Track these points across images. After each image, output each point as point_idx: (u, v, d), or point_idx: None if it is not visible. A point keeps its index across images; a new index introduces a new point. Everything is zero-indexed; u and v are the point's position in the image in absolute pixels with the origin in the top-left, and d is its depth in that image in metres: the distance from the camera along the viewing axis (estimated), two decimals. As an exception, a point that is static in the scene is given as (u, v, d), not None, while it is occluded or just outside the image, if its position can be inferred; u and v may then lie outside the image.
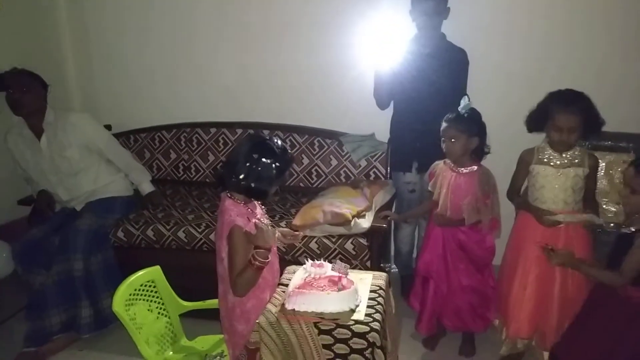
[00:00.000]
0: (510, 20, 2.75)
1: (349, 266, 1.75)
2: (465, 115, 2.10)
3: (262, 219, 1.78)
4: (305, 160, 3.04)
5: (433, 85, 2.47)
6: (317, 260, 1.82)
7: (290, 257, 2.50)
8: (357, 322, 1.62)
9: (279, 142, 1.74)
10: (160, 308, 1.92)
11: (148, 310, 1.87)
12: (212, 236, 2.53)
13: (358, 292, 1.73)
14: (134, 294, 1.81)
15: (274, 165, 1.68)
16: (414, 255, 2.91)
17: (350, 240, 2.45)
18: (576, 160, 2.09)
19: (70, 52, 3.38)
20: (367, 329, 1.60)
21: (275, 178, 1.70)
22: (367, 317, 1.64)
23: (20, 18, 3.05)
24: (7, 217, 2.96)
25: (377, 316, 1.65)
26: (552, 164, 2.10)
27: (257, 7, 3.03)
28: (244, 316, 1.73)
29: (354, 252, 2.44)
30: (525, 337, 2.21)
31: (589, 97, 2.03)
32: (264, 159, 1.67)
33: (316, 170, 3.04)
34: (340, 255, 2.45)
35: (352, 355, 1.61)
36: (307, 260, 1.83)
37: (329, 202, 2.51)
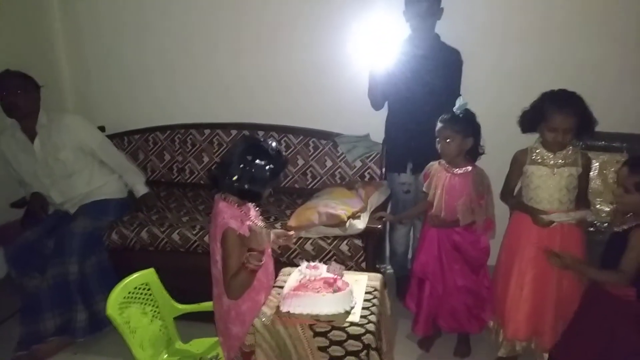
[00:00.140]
0: (505, 21, 2.76)
1: (344, 267, 1.75)
2: (460, 115, 2.11)
3: (256, 221, 1.77)
4: (300, 161, 3.04)
5: (427, 85, 2.47)
6: (312, 261, 1.82)
7: (285, 259, 2.49)
8: (352, 324, 1.62)
9: (274, 144, 1.74)
10: (155, 311, 1.91)
11: (142, 313, 1.86)
12: (206, 238, 2.52)
13: (353, 293, 1.72)
14: (128, 297, 1.80)
15: (267, 167, 1.67)
16: (409, 256, 2.92)
17: (345, 242, 2.44)
18: (569, 160, 2.10)
19: (64, 54, 3.36)
20: (362, 330, 1.60)
21: (269, 180, 1.69)
22: (362, 319, 1.64)
23: (14, 19, 3.03)
24: (0, 220, 2.94)
25: (372, 318, 1.65)
26: (546, 164, 2.11)
27: (252, 9, 3.03)
28: (239, 318, 1.73)
29: (349, 254, 2.44)
30: (523, 339, 2.21)
31: (582, 97, 2.04)
32: (257, 161, 1.66)
33: (311, 171, 3.04)
34: (335, 257, 2.45)
35: (348, 357, 1.61)
36: (302, 261, 1.83)
37: (324, 203, 2.51)
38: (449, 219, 2.17)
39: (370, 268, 2.43)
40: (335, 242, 2.45)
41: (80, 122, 2.71)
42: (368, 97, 2.67)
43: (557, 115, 2.00)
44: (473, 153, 2.17)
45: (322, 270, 1.77)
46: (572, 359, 1.91)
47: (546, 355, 2.16)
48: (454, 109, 2.11)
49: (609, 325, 1.80)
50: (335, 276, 1.72)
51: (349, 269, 2.35)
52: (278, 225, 2.52)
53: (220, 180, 1.71)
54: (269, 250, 1.88)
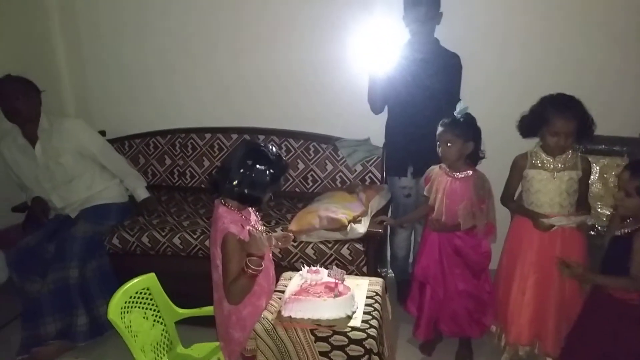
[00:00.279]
0: (504, 26, 2.76)
1: (345, 272, 1.75)
2: (461, 119, 2.11)
3: (256, 226, 1.77)
4: (301, 166, 3.04)
5: (427, 90, 2.48)
6: (313, 266, 1.82)
7: (287, 263, 2.49)
8: (353, 328, 1.62)
9: (274, 148, 1.74)
10: (156, 315, 1.91)
11: (143, 317, 1.86)
12: (207, 242, 2.52)
13: (354, 298, 1.72)
14: (129, 302, 1.80)
15: (268, 171, 1.67)
16: (410, 260, 2.91)
17: (346, 246, 2.44)
18: (569, 164, 2.10)
19: (64, 58, 3.36)
20: (364, 335, 1.59)
21: (269, 185, 1.69)
22: (363, 324, 1.64)
23: (13, 24, 3.04)
24: (1, 224, 2.94)
25: (374, 322, 1.65)
26: (546, 168, 2.11)
27: (252, 13, 3.03)
28: (240, 323, 1.73)
29: (350, 258, 2.44)
30: (526, 343, 2.21)
31: (580, 101, 2.04)
32: (258, 166, 1.66)
33: (312, 175, 3.04)
34: (336, 261, 2.45)
35: (349, 362, 1.61)
36: (303, 266, 1.83)
37: (324, 207, 2.51)
38: (449, 223, 2.17)
39: (372, 272, 2.42)
40: (336, 246, 2.45)
41: (81, 127, 2.71)
42: (368, 101, 2.68)
43: (559, 119, 2.00)
44: (474, 157, 2.17)
45: (323, 274, 1.77)
46: None
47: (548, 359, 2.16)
48: (455, 113, 2.11)
49: (613, 329, 1.80)
50: (337, 281, 1.71)
51: (350, 273, 2.35)
52: (279, 229, 2.52)
53: (220, 185, 1.71)
54: (270, 254, 1.88)
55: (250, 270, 1.61)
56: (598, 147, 2.59)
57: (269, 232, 1.87)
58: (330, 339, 1.61)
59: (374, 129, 2.89)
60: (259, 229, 1.78)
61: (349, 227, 2.39)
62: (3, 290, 2.75)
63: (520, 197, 2.26)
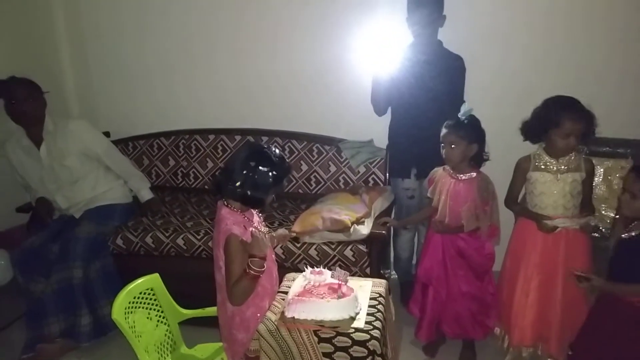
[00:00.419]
0: (507, 27, 2.76)
1: (348, 273, 1.75)
2: (465, 121, 2.11)
3: (259, 227, 1.78)
4: (304, 167, 3.05)
5: (430, 92, 2.48)
6: (317, 267, 1.82)
7: (290, 265, 2.49)
8: (357, 330, 1.62)
9: (277, 150, 1.74)
10: (160, 316, 1.92)
11: (147, 318, 1.86)
12: (210, 243, 2.52)
13: (358, 299, 1.72)
14: (133, 302, 1.80)
15: (270, 173, 1.67)
16: (414, 261, 2.91)
17: (349, 247, 2.44)
18: (573, 166, 2.09)
19: (68, 60, 3.38)
20: (368, 336, 1.59)
21: (272, 186, 1.69)
22: (367, 325, 1.63)
23: (17, 25, 3.05)
24: (6, 224, 2.95)
25: (377, 324, 1.65)
26: (549, 170, 2.11)
27: (255, 15, 3.04)
28: (243, 324, 1.73)
29: (353, 259, 2.44)
30: (529, 345, 2.20)
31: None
32: (261, 167, 1.67)
33: (315, 176, 3.04)
34: (339, 262, 2.45)
35: (352, 363, 1.61)
36: (307, 267, 1.83)
37: (328, 208, 2.51)
38: (453, 224, 2.17)
39: (375, 274, 2.43)
40: (339, 247, 2.45)
41: (86, 128, 2.72)
42: (371, 102, 2.68)
43: (569, 120, 1.99)
44: (478, 159, 2.17)
45: (326, 275, 1.77)
46: None
47: None
48: (459, 115, 2.11)
49: (623, 333, 1.78)
50: (340, 282, 1.71)
51: (353, 274, 2.34)
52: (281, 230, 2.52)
53: (223, 186, 1.71)
54: (273, 255, 1.88)
55: (252, 272, 1.61)
56: (602, 149, 2.59)
57: (271, 232, 1.88)
58: (333, 340, 1.61)
59: (377, 130, 2.89)
60: (262, 230, 1.78)
61: (352, 229, 2.40)
62: (7, 290, 2.76)
63: (524, 200, 2.25)
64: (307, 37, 2.99)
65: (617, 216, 2.10)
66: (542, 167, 2.13)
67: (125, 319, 1.73)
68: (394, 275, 3.05)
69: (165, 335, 1.92)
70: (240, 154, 1.72)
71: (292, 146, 3.06)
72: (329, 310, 1.63)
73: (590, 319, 1.93)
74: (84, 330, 2.47)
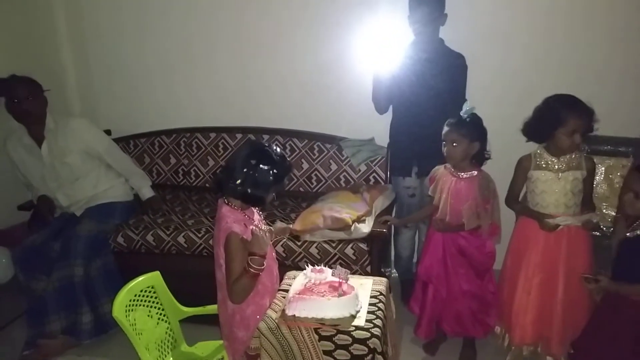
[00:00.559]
0: (509, 26, 2.76)
1: (349, 271, 1.75)
2: (467, 119, 2.11)
3: (259, 225, 1.78)
4: (305, 165, 3.05)
5: (431, 90, 2.48)
6: (317, 265, 1.82)
7: (291, 263, 2.49)
8: (357, 328, 1.62)
9: (278, 149, 1.75)
10: (160, 314, 1.92)
11: (148, 316, 1.87)
12: (211, 241, 2.53)
13: (358, 297, 1.72)
14: (133, 300, 1.81)
15: (271, 171, 1.67)
16: (415, 260, 2.91)
17: (350, 245, 2.44)
18: (574, 164, 2.09)
19: (69, 58, 3.38)
20: (368, 335, 1.59)
21: (273, 185, 1.69)
22: (367, 323, 1.64)
23: (18, 24, 3.05)
24: (7, 222, 2.96)
25: (378, 322, 1.65)
26: (550, 169, 2.11)
27: (256, 13, 3.04)
28: (244, 322, 1.73)
29: (354, 257, 2.44)
30: (529, 344, 2.20)
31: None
32: (261, 165, 1.67)
33: (316, 175, 3.04)
34: (340, 261, 2.45)
35: (353, 361, 1.61)
36: (307, 265, 1.83)
37: (328, 206, 2.51)
38: (454, 223, 2.17)
39: (375, 272, 2.43)
40: (340, 245, 2.45)
41: (87, 126, 2.72)
42: (372, 101, 2.68)
43: (574, 118, 1.99)
44: (479, 158, 2.17)
45: (327, 274, 1.77)
46: None
47: (549, 358, 2.15)
48: (461, 113, 2.11)
49: (630, 331, 1.77)
50: (341, 280, 1.71)
51: (354, 272, 2.35)
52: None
53: (224, 184, 1.71)
54: (273, 253, 1.88)
55: (252, 270, 1.62)
56: (603, 148, 2.58)
57: (271, 230, 1.88)
58: (334, 338, 1.61)
59: (378, 128, 2.89)
60: (263, 228, 1.78)
61: (353, 227, 2.40)
62: (8, 288, 2.77)
63: (525, 198, 2.25)
64: (308, 35, 2.99)
65: (618, 215, 2.09)
66: (544, 165, 2.12)
67: (126, 316, 1.73)
68: (394, 273, 3.06)
69: (166, 333, 1.92)
70: (241, 152, 1.72)
71: (293, 144, 3.06)
72: (329, 309, 1.64)
73: (594, 318, 1.93)
74: (85, 328, 2.48)
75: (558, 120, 2.02)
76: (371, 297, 1.78)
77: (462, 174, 2.16)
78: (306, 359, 1.64)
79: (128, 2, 3.21)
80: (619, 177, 2.53)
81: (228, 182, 1.69)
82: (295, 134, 3.08)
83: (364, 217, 2.46)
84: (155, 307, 1.90)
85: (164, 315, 1.93)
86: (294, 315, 1.65)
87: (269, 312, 1.72)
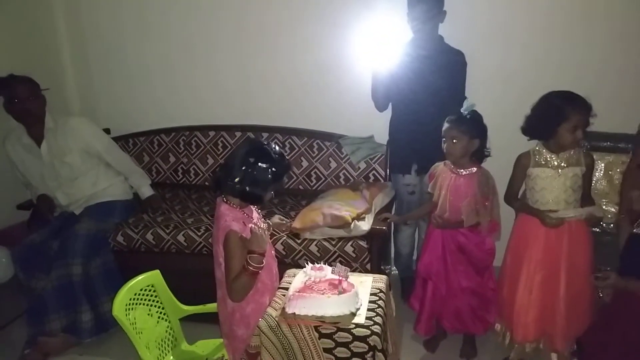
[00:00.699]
0: (508, 23, 2.75)
1: (349, 269, 1.75)
2: (468, 116, 2.10)
3: (258, 224, 1.78)
4: (305, 163, 3.04)
5: (431, 87, 2.47)
6: (317, 263, 1.83)
7: (290, 261, 2.49)
8: (357, 325, 1.62)
9: (277, 147, 1.75)
10: (161, 312, 1.92)
11: (148, 314, 1.87)
12: (211, 240, 2.52)
13: (358, 295, 1.72)
14: (133, 299, 1.81)
15: (270, 170, 1.68)
16: (415, 257, 2.91)
17: (350, 243, 2.44)
18: (573, 160, 2.09)
19: (69, 57, 3.37)
20: (368, 332, 1.60)
21: (271, 183, 1.70)
22: (367, 321, 1.64)
23: (18, 24, 3.04)
24: (6, 222, 2.95)
25: (378, 319, 1.65)
26: (549, 165, 2.10)
27: (255, 11, 3.03)
28: (244, 320, 1.73)
29: (354, 255, 2.44)
30: (532, 341, 2.20)
31: None
32: (260, 164, 1.67)
33: (315, 172, 3.04)
34: (340, 258, 2.45)
35: (353, 358, 1.61)
36: (307, 263, 1.83)
37: (328, 204, 2.51)
38: (453, 219, 2.17)
39: (375, 269, 2.43)
40: (340, 243, 2.45)
41: (86, 125, 2.72)
42: (372, 98, 2.68)
43: (577, 113, 1.98)
44: (479, 155, 2.16)
45: (327, 271, 1.77)
46: (601, 353, 1.88)
47: (555, 356, 2.15)
48: (462, 110, 2.10)
49: (637, 327, 1.77)
50: (340, 278, 1.71)
51: (353, 270, 2.35)
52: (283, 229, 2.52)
53: (222, 182, 1.71)
54: (273, 252, 1.89)
55: (251, 267, 1.62)
56: (603, 144, 2.58)
57: (269, 226, 1.88)
58: (334, 336, 1.61)
59: (377, 126, 2.89)
60: (262, 226, 1.78)
61: (352, 225, 2.39)
62: (7, 287, 2.77)
63: (524, 196, 2.25)
64: (307, 34, 2.98)
65: (622, 214, 2.08)
66: (543, 162, 2.12)
67: (126, 315, 1.73)
68: (394, 271, 3.06)
69: (166, 331, 1.93)
70: (240, 150, 1.72)
71: (292, 142, 3.06)
72: (329, 306, 1.64)
73: (602, 314, 1.92)
74: (85, 327, 2.48)
75: (561, 116, 2.00)
76: (371, 294, 1.78)
77: (462, 170, 2.16)
78: (306, 356, 1.64)
79: (127, 1, 3.21)
80: (619, 174, 2.53)
81: (227, 181, 1.69)
82: (294, 131, 3.08)
83: (363, 215, 2.46)
84: (155, 306, 1.90)
85: (164, 314, 1.93)
86: (294, 313, 1.65)
87: (269, 310, 1.72)
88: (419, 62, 2.50)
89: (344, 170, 2.99)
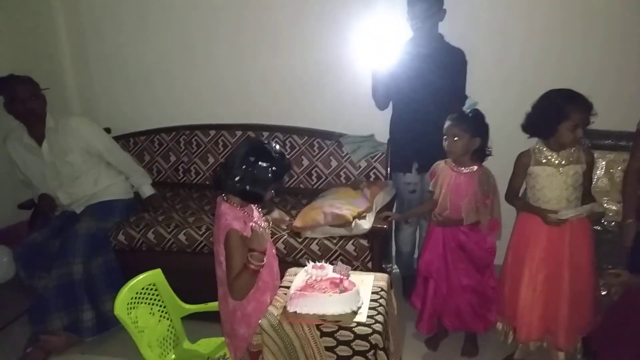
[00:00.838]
0: (508, 21, 2.75)
1: (350, 268, 1.75)
2: (470, 114, 2.10)
3: (259, 222, 1.78)
4: (305, 162, 3.04)
5: (431, 85, 2.47)
6: (319, 262, 1.82)
7: (291, 259, 2.49)
8: (359, 324, 1.62)
9: (277, 146, 1.74)
10: (162, 311, 1.92)
11: (150, 313, 1.87)
12: (212, 238, 2.52)
13: (360, 293, 1.72)
14: (135, 298, 1.81)
15: (270, 169, 1.67)
16: (416, 255, 2.91)
17: (351, 242, 2.44)
18: (573, 158, 2.08)
19: (69, 56, 3.38)
20: (369, 330, 1.60)
21: (271, 182, 1.69)
22: (369, 319, 1.64)
23: (18, 23, 3.05)
24: (7, 221, 2.96)
25: (379, 318, 1.65)
26: (550, 164, 2.10)
27: (254, 10, 3.03)
28: (245, 319, 1.73)
29: (355, 254, 2.44)
30: (536, 339, 2.20)
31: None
32: (260, 163, 1.67)
33: (316, 171, 3.04)
34: (341, 257, 2.45)
35: (355, 357, 1.61)
36: (308, 262, 1.83)
37: (329, 203, 2.51)
38: (453, 217, 2.17)
39: (377, 268, 2.42)
40: (341, 242, 2.46)
41: (87, 124, 2.72)
42: (372, 97, 2.68)
43: (578, 112, 1.97)
44: (480, 153, 2.16)
45: (328, 270, 1.77)
46: (611, 351, 1.88)
47: (561, 354, 2.15)
48: (464, 108, 2.10)
49: None
50: (342, 276, 1.72)
51: (355, 269, 2.35)
52: (283, 225, 2.51)
53: (223, 181, 1.71)
54: (273, 250, 1.89)
55: (252, 266, 1.62)
56: (604, 142, 2.58)
57: (269, 224, 1.88)
58: (335, 334, 1.61)
59: (378, 125, 2.89)
60: (262, 225, 1.78)
61: (353, 223, 2.40)
62: (9, 287, 2.77)
63: (525, 194, 2.24)
64: (307, 33, 2.98)
65: (629, 219, 2.07)
66: (543, 161, 2.11)
67: (128, 314, 1.74)
68: (395, 269, 3.06)
69: (168, 330, 1.93)
70: (240, 149, 1.72)
71: (292, 141, 3.06)
72: (331, 305, 1.64)
73: (611, 313, 1.92)
74: (87, 326, 2.48)
75: (561, 115, 2.00)
76: (372, 293, 1.78)
77: (463, 168, 2.16)
78: (308, 355, 1.65)
79: (127, 1, 3.21)
80: (620, 172, 2.53)
81: (227, 179, 1.69)
82: (295, 130, 3.08)
83: (364, 214, 2.46)
84: (157, 305, 1.90)
85: (166, 313, 1.93)
86: (296, 311, 1.65)
87: (271, 308, 1.72)
88: (419, 60, 2.49)
89: (345, 169, 2.99)
